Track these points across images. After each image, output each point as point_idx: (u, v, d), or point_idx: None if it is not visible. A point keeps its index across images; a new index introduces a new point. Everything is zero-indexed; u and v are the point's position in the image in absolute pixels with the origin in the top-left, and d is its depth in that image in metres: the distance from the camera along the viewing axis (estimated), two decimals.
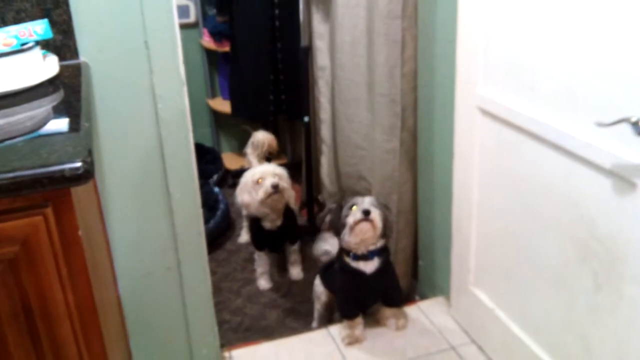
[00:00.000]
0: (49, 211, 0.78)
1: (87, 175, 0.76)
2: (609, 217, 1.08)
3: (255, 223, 2.07)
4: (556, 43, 1.15)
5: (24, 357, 0.82)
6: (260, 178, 1.93)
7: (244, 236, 2.37)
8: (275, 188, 1.91)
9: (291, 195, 2.02)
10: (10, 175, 0.74)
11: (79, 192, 0.87)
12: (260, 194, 1.92)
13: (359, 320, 1.69)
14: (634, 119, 0.95)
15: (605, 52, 1.04)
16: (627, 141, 0.99)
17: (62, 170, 0.75)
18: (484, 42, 1.35)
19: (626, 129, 0.97)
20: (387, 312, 1.73)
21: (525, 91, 1.25)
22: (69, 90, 1.07)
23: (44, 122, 0.94)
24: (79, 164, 0.76)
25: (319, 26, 2.03)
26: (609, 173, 1.06)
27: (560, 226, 1.22)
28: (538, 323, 1.35)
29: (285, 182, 1.97)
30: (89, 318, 0.83)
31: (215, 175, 2.74)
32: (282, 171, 1.99)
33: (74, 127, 0.88)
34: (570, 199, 1.17)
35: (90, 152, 0.78)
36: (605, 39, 1.03)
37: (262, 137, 2.26)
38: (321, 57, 2.06)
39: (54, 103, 1.04)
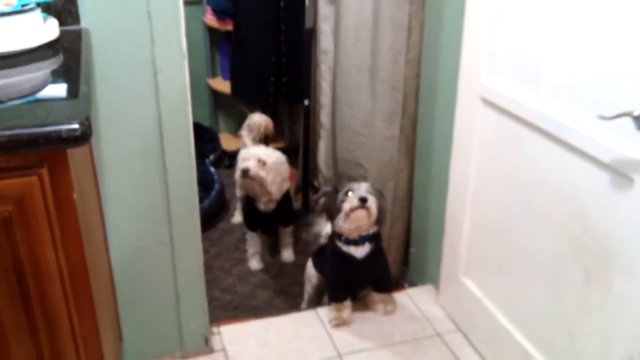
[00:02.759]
0: (44, 172, 0.77)
1: (84, 137, 0.75)
2: (604, 211, 1.09)
3: (249, 203, 2.06)
4: (562, 35, 1.14)
5: (14, 315, 0.82)
6: (244, 159, 1.92)
7: (238, 217, 2.37)
8: (245, 173, 1.87)
9: (273, 184, 1.92)
10: (7, 133, 0.73)
11: (75, 157, 0.86)
12: (236, 174, 1.92)
13: (347, 303, 1.70)
14: (636, 113, 0.95)
15: (611, 45, 1.03)
16: (629, 136, 0.99)
17: (59, 131, 0.74)
18: (490, 31, 1.35)
19: (628, 123, 0.97)
20: (376, 297, 1.74)
21: (529, 82, 1.24)
22: (68, 54, 1.06)
23: (43, 86, 0.93)
24: (76, 126, 0.75)
25: (324, 8, 2.01)
26: (607, 167, 1.06)
27: (554, 219, 1.22)
28: (525, 315, 1.37)
29: (266, 170, 1.88)
30: (80, 280, 0.83)
31: (211, 155, 2.73)
32: (270, 157, 1.91)
33: (73, 91, 0.87)
34: (566, 193, 1.18)
35: (88, 115, 0.78)
36: (612, 32, 1.03)
37: (258, 119, 2.23)
38: (325, 41, 2.04)
39: (53, 67, 1.03)
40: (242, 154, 1.99)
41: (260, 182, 1.91)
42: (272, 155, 1.96)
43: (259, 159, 1.91)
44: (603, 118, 0.99)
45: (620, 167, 1.03)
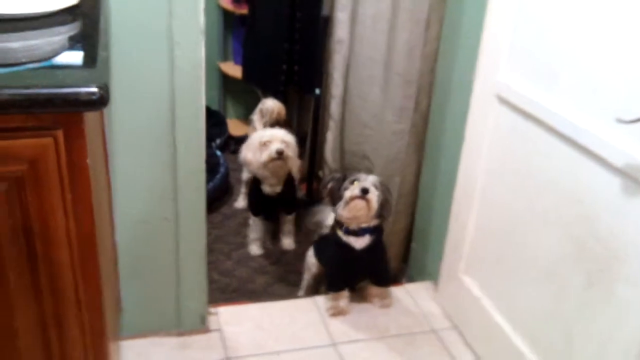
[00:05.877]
0: (59, 134, 0.77)
1: (102, 101, 0.75)
2: (612, 216, 1.09)
3: (255, 187, 2.07)
4: (583, 35, 1.13)
5: (20, 277, 0.82)
6: (268, 141, 1.92)
7: (241, 202, 2.37)
8: (280, 154, 1.90)
9: (295, 164, 2.00)
10: (25, 91, 0.73)
11: (89, 124, 0.86)
12: (264, 156, 1.91)
13: (345, 293, 1.70)
14: None
15: (632, 47, 1.03)
16: None
17: (78, 93, 0.74)
18: (511, 29, 1.33)
19: None
20: (374, 290, 1.74)
21: (547, 82, 1.24)
22: (87, 21, 1.05)
23: (61, 51, 0.93)
24: (95, 89, 0.75)
25: None
26: (619, 172, 1.06)
27: (560, 222, 1.22)
28: (524, 316, 1.37)
29: (291, 150, 1.95)
30: (88, 247, 0.83)
31: (218, 139, 2.73)
32: (290, 139, 1.97)
33: (91, 57, 0.86)
34: (575, 196, 1.18)
35: (106, 80, 0.77)
36: (634, 35, 1.02)
37: (271, 105, 2.23)
38: (340, 30, 2.03)
39: (72, 32, 1.02)
40: (256, 136, 1.99)
41: (288, 162, 1.93)
42: (288, 135, 1.98)
43: (282, 140, 1.92)
44: (621, 121, 0.98)
45: (632, 172, 1.03)
